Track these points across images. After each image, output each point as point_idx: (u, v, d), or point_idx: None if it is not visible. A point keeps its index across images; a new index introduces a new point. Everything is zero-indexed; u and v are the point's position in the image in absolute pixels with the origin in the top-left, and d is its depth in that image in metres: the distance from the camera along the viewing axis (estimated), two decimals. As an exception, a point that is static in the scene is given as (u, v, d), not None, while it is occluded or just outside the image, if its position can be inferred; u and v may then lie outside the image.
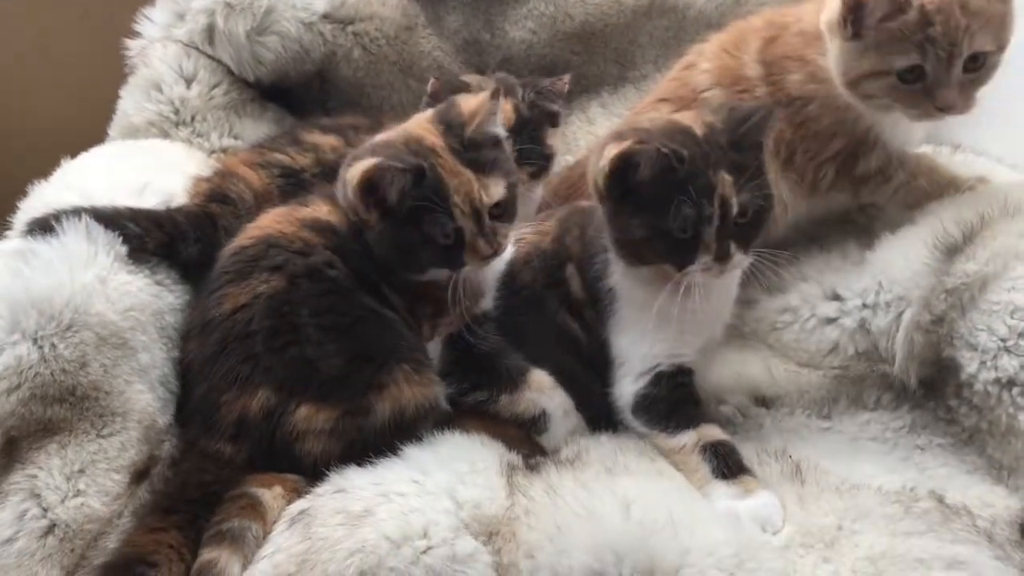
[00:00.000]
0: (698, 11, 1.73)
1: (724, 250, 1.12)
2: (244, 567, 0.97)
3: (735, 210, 1.11)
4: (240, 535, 0.99)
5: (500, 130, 1.25)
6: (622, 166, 1.11)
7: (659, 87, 1.53)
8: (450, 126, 1.17)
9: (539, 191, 1.52)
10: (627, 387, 1.22)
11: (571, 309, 1.27)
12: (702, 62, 1.44)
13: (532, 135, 1.47)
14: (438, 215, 1.14)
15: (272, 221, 1.20)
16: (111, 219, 1.20)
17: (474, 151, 1.16)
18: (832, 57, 1.30)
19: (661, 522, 1.00)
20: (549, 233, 1.32)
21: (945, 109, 1.24)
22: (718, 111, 1.19)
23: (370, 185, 1.13)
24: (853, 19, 1.24)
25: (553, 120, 1.54)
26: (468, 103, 1.20)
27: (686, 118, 1.18)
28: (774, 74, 1.36)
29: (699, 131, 1.14)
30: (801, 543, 1.04)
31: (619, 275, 1.22)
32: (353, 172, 1.13)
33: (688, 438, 1.16)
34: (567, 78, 1.55)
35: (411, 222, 1.15)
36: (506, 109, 1.40)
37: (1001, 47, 1.24)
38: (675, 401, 1.20)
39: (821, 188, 1.39)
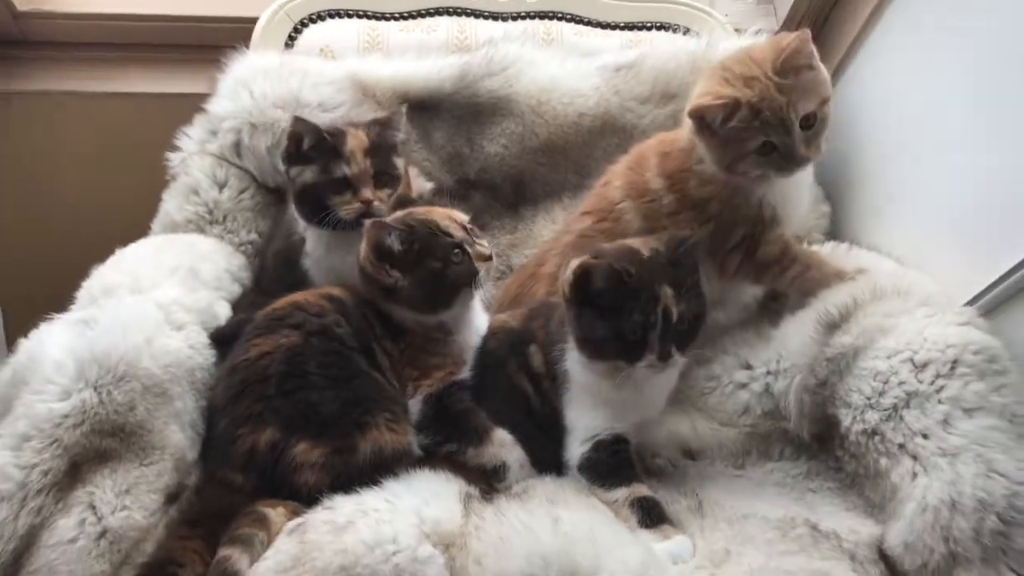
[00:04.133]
0: (642, 130, 1.90)
1: (666, 351, 1.28)
2: (251, 564, 1.12)
3: (675, 318, 1.27)
4: (249, 540, 1.14)
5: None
6: (582, 277, 1.29)
7: (585, 201, 1.72)
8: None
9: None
10: (574, 450, 1.37)
11: (530, 377, 1.43)
12: (615, 180, 1.64)
13: (385, 159, 1.63)
14: (442, 242, 1.41)
15: (300, 294, 1.44)
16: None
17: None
18: (706, 156, 1.52)
19: (582, 535, 1.15)
20: (518, 316, 1.52)
21: (801, 163, 1.47)
22: (661, 238, 1.35)
23: (378, 245, 1.39)
24: (703, 128, 1.48)
25: (397, 150, 1.69)
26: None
27: (636, 242, 1.36)
28: (676, 184, 1.56)
29: (645, 253, 1.32)
30: (696, 564, 1.20)
31: (572, 362, 1.38)
32: (363, 243, 1.41)
33: (621, 494, 1.31)
34: (400, 112, 1.73)
35: (425, 260, 1.40)
36: (359, 136, 1.62)
37: (824, 101, 1.46)
38: (612, 464, 1.34)
39: (729, 271, 1.58)
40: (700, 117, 1.47)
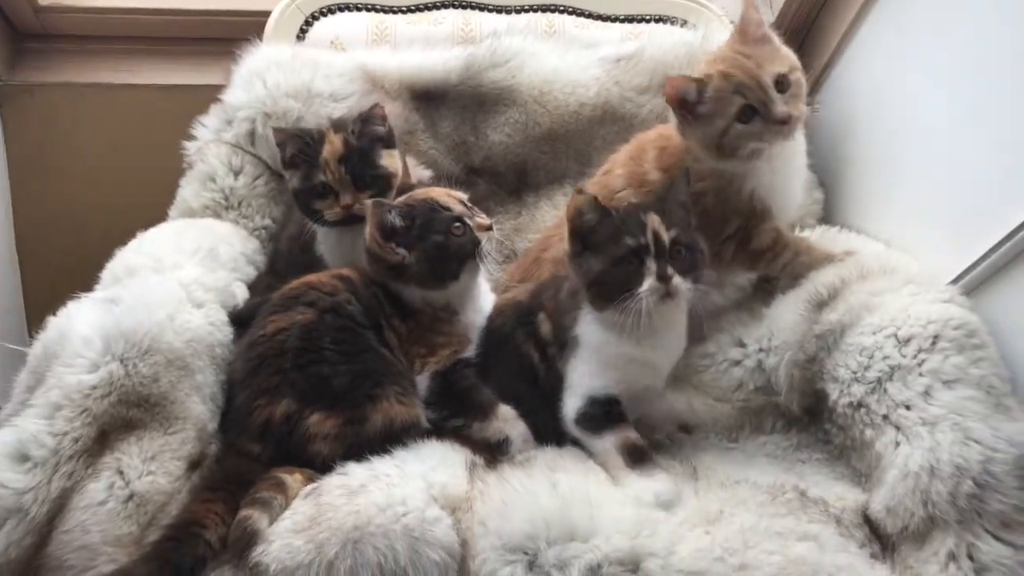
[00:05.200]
0: (641, 120, 1.95)
1: (663, 271, 1.33)
2: (270, 524, 1.18)
3: (667, 240, 1.35)
4: (268, 502, 1.20)
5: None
6: (574, 214, 1.39)
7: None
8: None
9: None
10: (571, 404, 1.42)
11: (537, 345, 1.48)
12: (616, 168, 1.69)
13: (364, 159, 1.64)
14: (443, 216, 1.46)
15: (313, 275, 1.50)
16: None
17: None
18: (696, 145, 1.55)
19: (579, 498, 1.21)
20: (526, 291, 1.58)
21: (784, 120, 1.47)
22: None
23: (381, 224, 1.44)
24: (685, 112, 1.52)
25: (385, 142, 1.68)
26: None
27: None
28: (672, 177, 1.56)
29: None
30: (691, 523, 1.23)
31: (586, 325, 1.42)
32: (367, 224, 1.46)
33: (610, 442, 1.37)
34: (379, 105, 1.71)
35: (428, 235, 1.45)
36: (334, 141, 1.64)
37: (793, 68, 1.51)
38: (604, 418, 1.40)
39: (724, 260, 1.62)
40: (678, 97, 1.51)
